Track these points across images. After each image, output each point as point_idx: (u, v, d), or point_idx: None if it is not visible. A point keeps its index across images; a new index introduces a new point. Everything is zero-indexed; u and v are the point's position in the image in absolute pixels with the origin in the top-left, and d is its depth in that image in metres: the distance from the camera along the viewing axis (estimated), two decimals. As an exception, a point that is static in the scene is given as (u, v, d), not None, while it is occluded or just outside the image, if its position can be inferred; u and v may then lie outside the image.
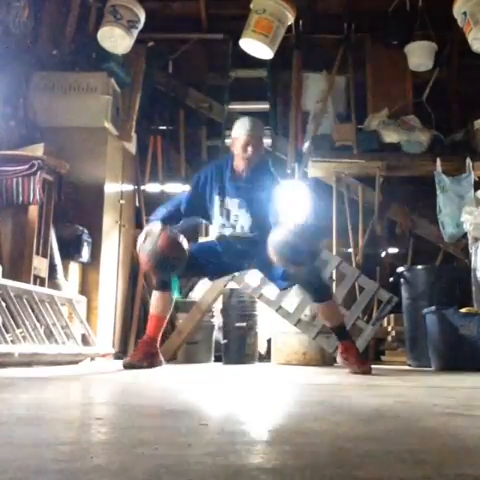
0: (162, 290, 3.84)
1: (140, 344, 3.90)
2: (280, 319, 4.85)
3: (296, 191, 5.78)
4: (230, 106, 6.43)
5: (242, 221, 3.75)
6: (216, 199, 3.76)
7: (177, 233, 3.65)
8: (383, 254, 6.09)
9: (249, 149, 3.68)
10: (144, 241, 3.58)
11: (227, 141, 6.34)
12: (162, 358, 3.91)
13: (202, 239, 5.61)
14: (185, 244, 3.62)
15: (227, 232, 3.77)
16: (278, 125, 6.47)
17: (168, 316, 4.01)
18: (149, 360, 3.77)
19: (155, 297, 3.88)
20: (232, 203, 3.75)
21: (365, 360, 4.11)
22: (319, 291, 3.88)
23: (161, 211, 3.82)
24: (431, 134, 5.85)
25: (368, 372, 3.74)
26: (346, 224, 6.02)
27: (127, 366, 3.72)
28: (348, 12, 6.33)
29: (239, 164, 3.75)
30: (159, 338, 3.94)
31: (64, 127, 5.13)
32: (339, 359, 3.98)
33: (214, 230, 3.91)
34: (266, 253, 3.51)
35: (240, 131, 3.74)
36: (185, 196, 3.91)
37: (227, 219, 3.76)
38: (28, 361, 3.67)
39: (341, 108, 6.39)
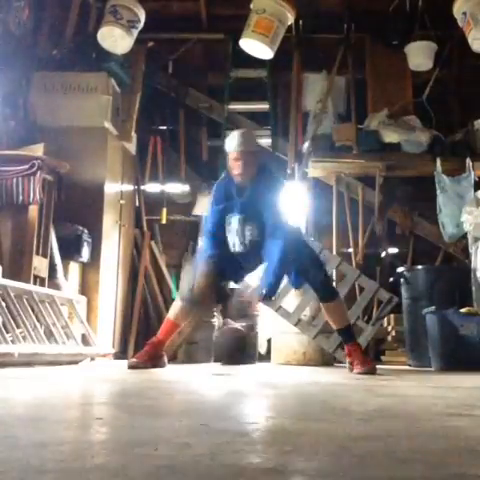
0: (187, 304, 3.87)
1: (148, 345, 3.90)
2: (280, 319, 4.85)
3: (296, 192, 5.79)
4: (230, 106, 6.43)
5: (250, 235, 3.77)
6: (227, 218, 3.80)
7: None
8: (383, 254, 6.09)
9: (239, 164, 3.70)
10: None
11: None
12: (166, 360, 3.93)
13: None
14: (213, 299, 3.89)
15: (238, 249, 3.80)
16: (278, 125, 6.47)
17: (183, 325, 4.05)
18: (154, 361, 3.80)
19: (178, 306, 3.89)
20: (239, 220, 3.76)
21: (370, 360, 4.09)
22: (326, 290, 3.90)
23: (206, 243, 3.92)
24: (431, 134, 5.85)
25: (373, 372, 3.73)
26: (346, 224, 6.02)
27: (132, 366, 3.73)
28: (348, 12, 6.33)
29: (235, 178, 3.77)
30: (167, 342, 3.96)
31: (64, 127, 5.12)
32: (347, 365, 3.97)
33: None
34: (278, 252, 3.63)
35: (229, 146, 3.77)
36: (208, 221, 3.95)
37: (237, 235, 3.78)
38: (28, 361, 3.67)
39: (341, 108, 6.39)
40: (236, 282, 4.25)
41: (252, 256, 3.81)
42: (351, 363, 3.86)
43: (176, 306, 3.90)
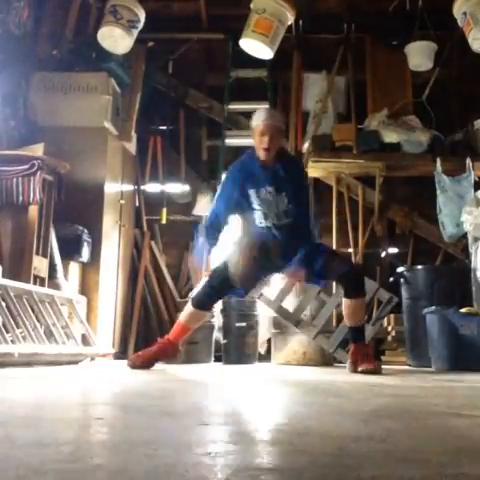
0: (199, 309, 3.84)
1: (158, 344, 3.88)
2: (280, 319, 4.85)
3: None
4: (230, 106, 6.43)
5: (282, 207, 3.77)
6: (252, 193, 3.77)
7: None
8: (383, 254, 6.09)
9: (266, 139, 3.67)
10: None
11: (227, 141, 6.35)
12: (179, 353, 3.96)
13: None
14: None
15: (269, 222, 3.78)
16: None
17: (194, 329, 4.04)
18: (166, 358, 3.82)
19: (190, 310, 3.84)
20: (268, 191, 3.76)
21: (375, 360, 4.04)
22: (357, 287, 3.84)
23: (207, 235, 3.89)
24: (431, 134, 5.85)
25: (378, 371, 3.70)
26: (346, 224, 6.02)
27: (132, 366, 3.72)
28: (348, 12, 6.32)
29: (261, 154, 3.74)
30: (180, 343, 3.94)
31: (64, 127, 5.13)
32: (348, 363, 3.91)
33: (251, 224, 3.85)
34: (301, 255, 3.69)
35: (256, 121, 3.75)
36: (215, 204, 3.91)
37: (268, 209, 3.77)
38: (28, 361, 3.67)
39: (341, 108, 6.39)
40: (247, 290, 4.16)
41: (285, 233, 3.78)
42: (354, 362, 3.81)
43: (188, 310, 3.85)
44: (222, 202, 3.86)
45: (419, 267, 5.31)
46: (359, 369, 3.74)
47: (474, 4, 5.03)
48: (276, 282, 4.74)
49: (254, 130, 3.75)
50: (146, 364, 3.75)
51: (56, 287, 4.52)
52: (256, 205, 3.78)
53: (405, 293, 5.19)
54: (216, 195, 3.99)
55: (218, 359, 5.27)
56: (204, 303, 3.84)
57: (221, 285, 3.76)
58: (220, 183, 3.97)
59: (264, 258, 3.73)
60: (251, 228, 3.79)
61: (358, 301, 3.84)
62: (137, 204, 6.15)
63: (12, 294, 3.75)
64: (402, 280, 5.21)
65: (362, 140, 5.86)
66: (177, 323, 3.95)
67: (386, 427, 1.48)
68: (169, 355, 3.88)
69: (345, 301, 3.88)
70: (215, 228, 3.87)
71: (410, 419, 1.67)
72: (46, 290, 4.28)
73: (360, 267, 4.12)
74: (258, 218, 3.80)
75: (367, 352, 3.88)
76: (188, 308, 3.85)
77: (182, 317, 3.90)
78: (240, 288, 3.87)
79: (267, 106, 6.34)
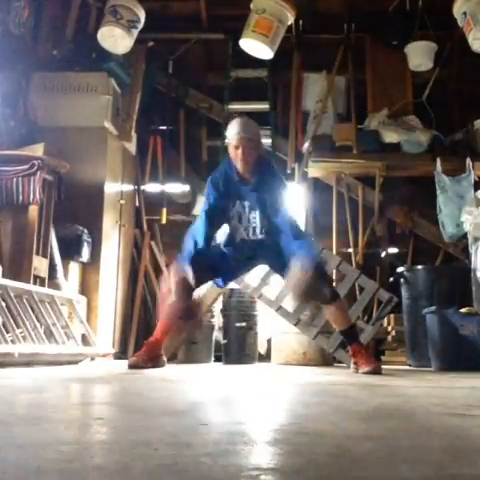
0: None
1: (146, 345, 3.89)
2: (280, 319, 4.85)
3: (296, 192, 5.79)
4: (230, 106, 6.43)
5: (254, 223, 3.78)
6: (229, 204, 3.77)
7: (193, 300, 3.75)
8: (383, 254, 6.09)
9: (239, 151, 3.66)
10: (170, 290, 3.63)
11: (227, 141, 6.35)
12: (165, 359, 3.93)
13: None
14: (200, 306, 3.85)
15: (241, 235, 3.80)
16: (278, 125, 6.47)
17: (177, 323, 4.06)
18: (153, 361, 3.79)
19: (167, 305, 3.85)
20: (243, 206, 3.76)
21: (375, 359, 4.05)
22: (327, 293, 3.84)
23: (188, 247, 3.74)
24: (431, 134, 5.85)
25: (378, 371, 3.71)
26: (346, 224, 6.02)
27: (132, 366, 3.72)
28: (348, 12, 6.33)
29: (238, 166, 3.74)
30: (165, 341, 3.96)
31: (64, 127, 5.13)
32: (351, 364, 3.94)
33: (222, 234, 3.91)
34: (276, 253, 3.69)
35: (230, 134, 3.73)
36: (202, 216, 3.82)
37: (239, 222, 3.78)
38: (28, 361, 3.67)
39: (341, 108, 6.39)
40: (227, 281, 4.17)
41: (259, 246, 3.80)
42: (356, 363, 3.84)
43: (166, 306, 3.89)
44: (210, 208, 3.76)
45: (419, 267, 5.31)
46: (360, 371, 3.76)
47: (474, 4, 5.03)
48: (276, 282, 4.74)
49: (229, 143, 3.74)
50: (146, 364, 3.75)
51: (56, 287, 4.52)
52: (230, 216, 3.78)
53: (405, 293, 5.19)
54: (202, 212, 3.84)
55: (218, 359, 5.27)
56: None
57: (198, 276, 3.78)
58: (207, 190, 3.88)
59: (240, 260, 3.84)
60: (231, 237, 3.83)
61: (336, 305, 3.86)
62: (137, 204, 6.15)
63: (12, 294, 3.75)
64: (402, 280, 5.21)
65: (362, 140, 5.86)
66: (160, 322, 3.97)
67: (386, 427, 1.48)
68: (158, 354, 3.87)
69: (325, 308, 3.94)
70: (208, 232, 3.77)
71: (410, 419, 1.67)
72: (46, 290, 4.28)
73: (325, 270, 4.14)
74: (231, 228, 3.81)
75: (366, 352, 3.90)
76: (166, 304, 3.88)
77: (164, 315, 3.92)
78: (218, 279, 3.95)
79: (267, 106, 6.34)
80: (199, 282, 3.89)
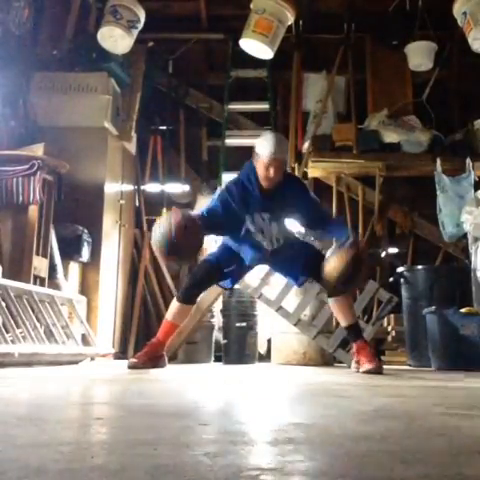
0: (184, 303, 3.86)
1: (148, 346, 3.89)
2: (280, 319, 4.85)
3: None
4: (230, 106, 6.43)
5: (277, 233, 3.81)
6: (247, 218, 3.73)
7: (192, 217, 3.62)
8: (383, 254, 6.09)
9: (271, 171, 3.61)
10: (156, 228, 3.50)
11: (227, 141, 6.35)
12: (166, 360, 3.93)
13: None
14: (199, 229, 3.54)
15: (266, 247, 3.82)
16: (278, 125, 6.47)
17: (182, 325, 4.06)
18: (154, 362, 3.79)
19: (175, 306, 3.87)
20: (262, 218, 3.75)
21: (377, 359, 4.03)
22: None
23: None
24: (431, 134, 5.85)
25: (379, 371, 3.70)
26: (346, 224, 6.01)
27: (131, 367, 3.72)
28: (348, 12, 6.33)
29: (263, 183, 3.69)
30: (168, 343, 3.96)
31: (64, 127, 5.13)
32: (352, 362, 3.93)
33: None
34: (285, 252, 3.78)
35: (264, 152, 3.61)
36: (205, 209, 3.78)
37: (262, 234, 3.79)
38: (28, 361, 3.67)
39: (341, 108, 6.39)
40: (236, 283, 4.19)
41: (282, 254, 3.84)
42: (358, 361, 3.83)
43: (173, 306, 3.89)
44: (211, 212, 3.71)
45: (419, 267, 5.31)
46: (361, 370, 3.75)
47: (474, 4, 5.04)
48: (276, 282, 4.75)
49: (259, 159, 3.64)
50: (145, 365, 3.75)
51: (56, 287, 4.52)
52: (252, 229, 3.77)
53: (405, 293, 5.19)
54: (211, 204, 3.78)
55: (218, 359, 5.27)
56: (189, 296, 3.87)
57: (205, 278, 3.85)
58: (215, 196, 3.80)
59: (247, 260, 3.89)
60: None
61: (344, 298, 3.86)
62: (137, 204, 6.15)
63: (12, 294, 3.75)
64: (402, 280, 5.21)
65: (362, 140, 5.86)
66: (164, 322, 3.97)
67: (386, 427, 1.48)
68: (160, 354, 3.87)
69: (331, 302, 3.92)
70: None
71: (410, 419, 1.67)
72: (46, 290, 4.28)
73: None
74: (254, 241, 3.81)
75: (369, 350, 3.88)
76: (173, 304, 3.89)
77: (168, 314, 3.93)
78: (225, 280, 3.96)
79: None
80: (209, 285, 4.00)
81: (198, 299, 4.05)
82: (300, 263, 3.86)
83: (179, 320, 3.93)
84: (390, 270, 5.80)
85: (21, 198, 4.29)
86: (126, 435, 1.28)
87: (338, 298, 3.86)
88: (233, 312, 5.22)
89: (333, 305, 3.93)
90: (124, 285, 5.69)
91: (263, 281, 4.70)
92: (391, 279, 5.41)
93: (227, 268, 3.87)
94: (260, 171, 3.66)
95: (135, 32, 5.43)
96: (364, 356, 3.79)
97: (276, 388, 2.86)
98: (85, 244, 4.93)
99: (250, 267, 4.04)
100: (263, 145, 3.65)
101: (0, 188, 4.31)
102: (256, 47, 5.61)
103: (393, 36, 6.18)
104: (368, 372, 3.67)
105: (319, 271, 3.72)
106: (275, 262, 4.03)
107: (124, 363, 4.02)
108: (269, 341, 5.46)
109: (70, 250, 4.82)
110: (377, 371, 3.69)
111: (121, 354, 5.37)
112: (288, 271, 4.02)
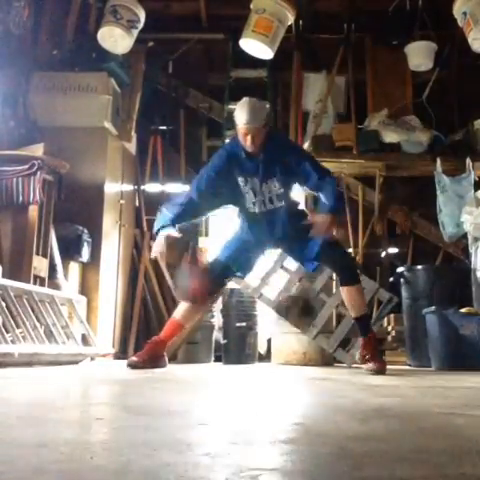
0: (194, 302, 3.83)
1: (149, 345, 3.85)
2: (280, 319, 4.85)
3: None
4: (230, 106, 6.42)
5: (270, 194, 3.78)
6: (239, 181, 3.76)
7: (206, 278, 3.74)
8: (383, 254, 6.09)
9: (248, 139, 3.64)
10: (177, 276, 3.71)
11: (227, 141, 6.35)
12: (167, 360, 3.90)
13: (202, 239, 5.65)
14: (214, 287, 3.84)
15: (257, 209, 3.80)
16: (278, 125, 6.47)
17: (188, 327, 4.05)
18: (154, 361, 3.76)
19: (184, 306, 3.84)
20: (255, 180, 3.75)
21: (381, 359, 4.03)
22: (350, 273, 3.87)
23: (172, 208, 3.79)
24: (431, 134, 5.85)
25: (383, 372, 3.70)
26: (346, 224, 6.02)
27: (131, 366, 3.70)
28: (348, 12, 6.33)
29: (247, 149, 3.71)
30: (169, 343, 3.94)
31: (64, 127, 5.13)
32: (358, 357, 3.93)
33: (239, 212, 3.93)
34: (297, 234, 3.76)
35: (239, 121, 3.65)
36: (195, 182, 3.84)
37: (255, 196, 3.78)
38: (28, 361, 3.67)
39: (341, 108, 6.39)
40: (247, 272, 4.15)
41: (277, 216, 3.81)
42: (364, 356, 3.81)
43: (182, 306, 3.85)
44: (202, 184, 3.78)
45: (419, 267, 5.31)
46: (365, 368, 3.74)
47: (474, 4, 5.04)
48: (276, 281, 4.75)
49: (237, 127, 3.69)
50: (145, 365, 3.73)
51: (56, 287, 4.52)
52: (245, 192, 3.78)
53: (405, 293, 5.19)
54: (195, 179, 3.89)
55: (218, 359, 5.27)
56: (201, 296, 3.83)
57: (219, 276, 3.86)
58: (211, 162, 3.88)
59: (256, 243, 3.89)
60: (246, 222, 3.87)
61: (356, 287, 3.85)
62: (137, 204, 6.15)
63: (12, 294, 3.75)
64: (402, 280, 5.21)
65: (362, 140, 5.86)
66: (170, 321, 3.94)
67: (386, 427, 1.48)
68: (160, 354, 3.85)
69: (344, 290, 3.88)
70: (186, 212, 3.82)
71: (410, 419, 1.67)
72: (46, 290, 4.28)
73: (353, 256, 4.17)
74: (248, 204, 3.82)
75: (375, 348, 3.87)
76: (183, 304, 3.85)
77: (177, 314, 3.88)
78: (237, 272, 3.98)
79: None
80: (220, 286, 4.03)
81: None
82: (313, 250, 3.81)
83: (187, 321, 3.90)
84: (390, 270, 5.80)
85: (21, 198, 4.29)
86: (126, 435, 1.28)
87: (349, 288, 3.83)
88: (233, 312, 5.22)
89: (344, 294, 3.89)
90: (124, 285, 5.69)
91: (263, 281, 4.70)
92: (391, 279, 5.41)
93: (234, 265, 3.88)
94: (240, 139, 3.70)
95: (135, 32, 5.43)
96: (371, 353, 3.78)
97: (276, 388, 2.86)
98: (85, 244, 4.93)
99: (262, 250, 4.01)
100: (237, 114, 3.69)
101: (0, 188, 4.31)
102: (256, 47, 5.61)
103: (393, 36, 6.18)
104: (371, 371, 3.67)
105: (332, 259, 3.79)
106: (287, 246, 4.02)
107: (124, 363, 4.01)
108: (269, 341, 5.46)
109: (70, 250, 4.83)
110: (380, 371, 3.68)
111: (121, 354, 5.37)
112: (300, 256, 3.99)
